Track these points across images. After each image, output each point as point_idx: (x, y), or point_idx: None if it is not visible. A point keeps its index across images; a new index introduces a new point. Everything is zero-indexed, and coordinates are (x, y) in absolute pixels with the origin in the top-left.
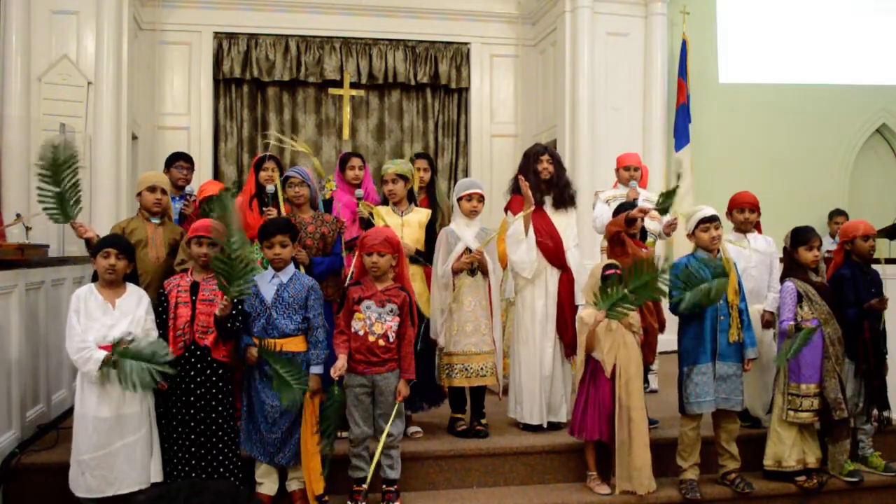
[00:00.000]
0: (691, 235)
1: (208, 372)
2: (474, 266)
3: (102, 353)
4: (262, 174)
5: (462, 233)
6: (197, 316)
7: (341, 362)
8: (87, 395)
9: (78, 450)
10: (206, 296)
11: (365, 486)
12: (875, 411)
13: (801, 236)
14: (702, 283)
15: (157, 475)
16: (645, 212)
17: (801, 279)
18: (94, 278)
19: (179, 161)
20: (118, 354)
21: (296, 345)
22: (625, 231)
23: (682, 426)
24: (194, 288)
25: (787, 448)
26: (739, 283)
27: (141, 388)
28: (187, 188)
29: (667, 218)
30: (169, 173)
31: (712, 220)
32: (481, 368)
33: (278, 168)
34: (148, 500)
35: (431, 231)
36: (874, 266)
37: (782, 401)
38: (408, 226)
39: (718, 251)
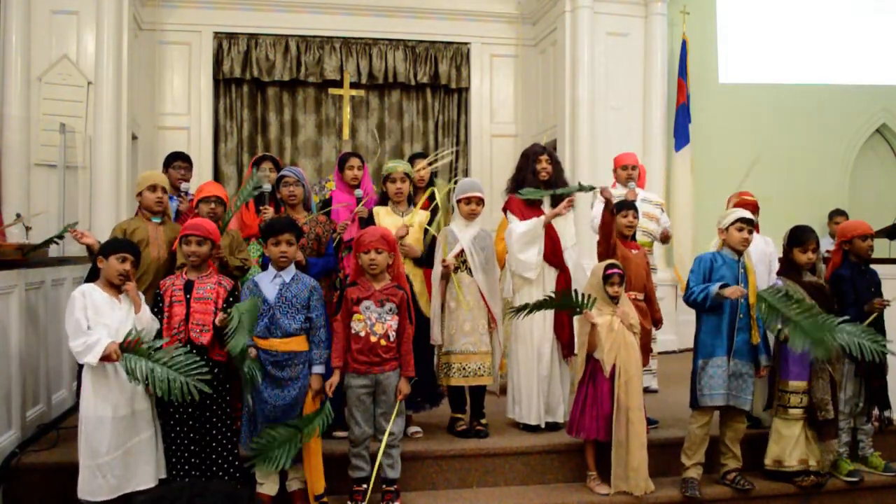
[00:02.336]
0: (724, 231)
1: (205, 370)
2: (459, 266)
3: (106, 342)
4: (260, 174)
5: (461, 234)
6: (192, 314)
7: (336, 378)
8: (102, 397)
9: (95, 453)
10: (201, 294)
11: (365, 485)
12: (875, 411)
13: (797, 237)
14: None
15: (162, 471)
16: (608, 199)
17: (793, 279)
18: (89, 278)
19: (177, 161)
20: (139, 353)
21: (298, 344)
22: (611, 215)
23: (690, 423)
24: (188, 286)
25: (788, 447)
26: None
27: (162, 393)
28: (183, 186)
29: (661, 217)
30: (167, 173)
31: (750, 223)
32: (479, 368)
33: (276, 168)
34: (149, 500)
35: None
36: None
37: (775, 398)
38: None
39: (741, 254)
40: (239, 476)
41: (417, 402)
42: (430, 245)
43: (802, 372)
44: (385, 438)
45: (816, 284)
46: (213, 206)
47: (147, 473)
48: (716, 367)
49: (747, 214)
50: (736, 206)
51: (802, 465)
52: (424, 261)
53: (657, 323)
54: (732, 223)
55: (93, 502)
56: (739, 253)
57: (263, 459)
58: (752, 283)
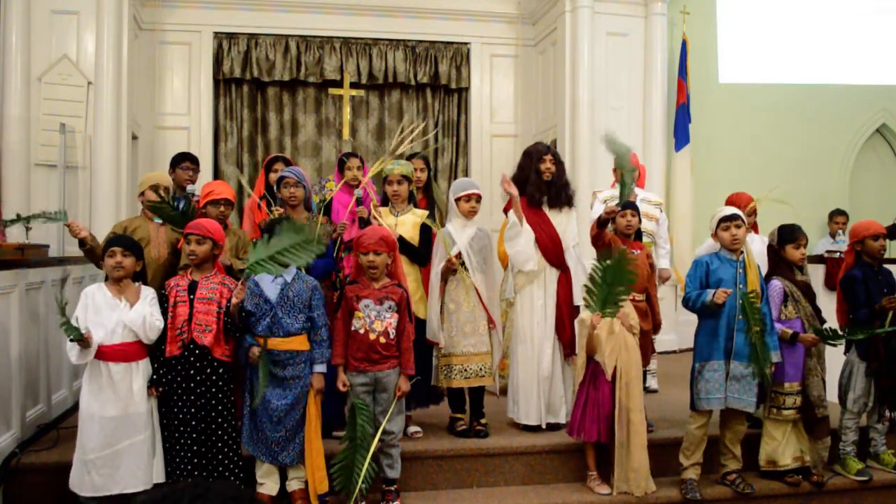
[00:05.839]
0: (714, 235)
1: (208, 371)
2: (458, 268)
3: (69, 345)
4: (273, 175)
5: (457, 235)
6: (195, 315)
7: (344, 377)
8: (94, 395)
9: (84, 449)
10: (204, 294)
11: (365, 485)
12: (886, 412)
13: (788, 234)
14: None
15: (159, 476)
16: (612, 212)
17: (787, 278)
18: (108, 277)
19: (185, 161)
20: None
21: (300, 343)
22: (599, 231)
23: (689, 423)
24: (192, 287)
25: (780, 447)
26: (762, 286)
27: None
28: (189, 187)
29: (660, 217)
30: (174, 174)
31: (733, 218)
32: (480, 369)
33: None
34: (151, 500)
35: (429, 232)
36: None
37: (768, 399)
38: (402, 226)
39: (742, 251)
40: (241, 476)
41: (413, 402)
42: (426, 242)
43: (797, 373)
44: (378, 435)
45: (807, 284)
46: (221, 208)
47: (137, 477)
48: (712, 371)
49: (727, 212)
50: (730, 205)
51: (798, 462)
52: (420, 259)
53: (656, 327)
54: (717, 226)
55: (81, 496)
56: (739, 251)
57: (348, 489)
58: (752, 280)
